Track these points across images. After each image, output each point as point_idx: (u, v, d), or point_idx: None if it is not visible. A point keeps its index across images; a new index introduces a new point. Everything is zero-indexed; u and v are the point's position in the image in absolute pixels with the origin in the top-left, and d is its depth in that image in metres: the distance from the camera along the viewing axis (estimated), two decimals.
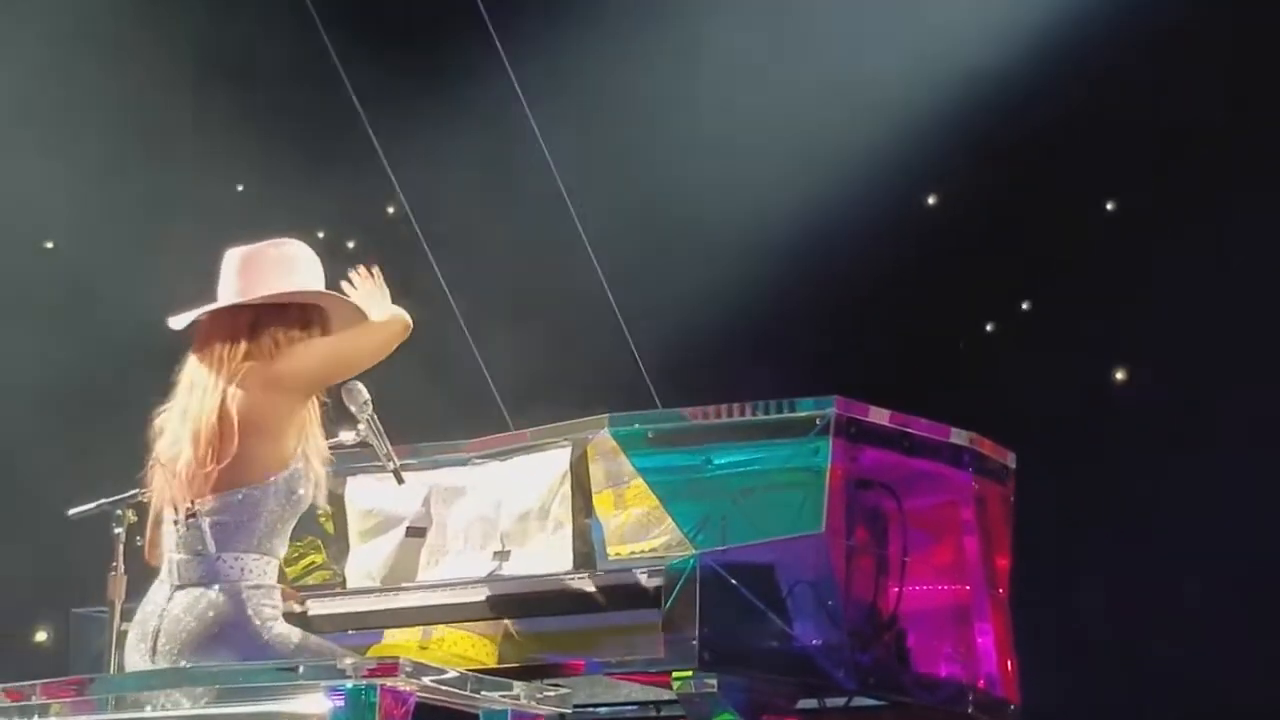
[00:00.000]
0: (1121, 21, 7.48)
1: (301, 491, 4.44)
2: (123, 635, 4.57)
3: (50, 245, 7.71)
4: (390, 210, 7.95)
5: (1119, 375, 7.87)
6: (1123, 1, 7.52)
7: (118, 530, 4.76)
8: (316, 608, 4.78)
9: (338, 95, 7.62)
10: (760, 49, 7.79)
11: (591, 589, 4.46)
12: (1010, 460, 4.97)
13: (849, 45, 7.63)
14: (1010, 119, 7.59)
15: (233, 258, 4.57)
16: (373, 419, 4.69)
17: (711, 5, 7.75)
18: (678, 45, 7.78)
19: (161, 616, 4.38)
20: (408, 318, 4.57)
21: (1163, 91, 7.57)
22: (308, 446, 4.45)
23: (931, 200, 8.02)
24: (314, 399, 4.52)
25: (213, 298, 4.55)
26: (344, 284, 4.65)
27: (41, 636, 4.74)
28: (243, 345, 4.46)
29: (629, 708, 5.00)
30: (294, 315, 4.52)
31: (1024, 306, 7.97)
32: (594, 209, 7.32)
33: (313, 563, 5.04)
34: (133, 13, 7.52)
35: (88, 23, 7.48)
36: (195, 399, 4.44)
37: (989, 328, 8.03)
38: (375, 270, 4.66)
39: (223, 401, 4.39)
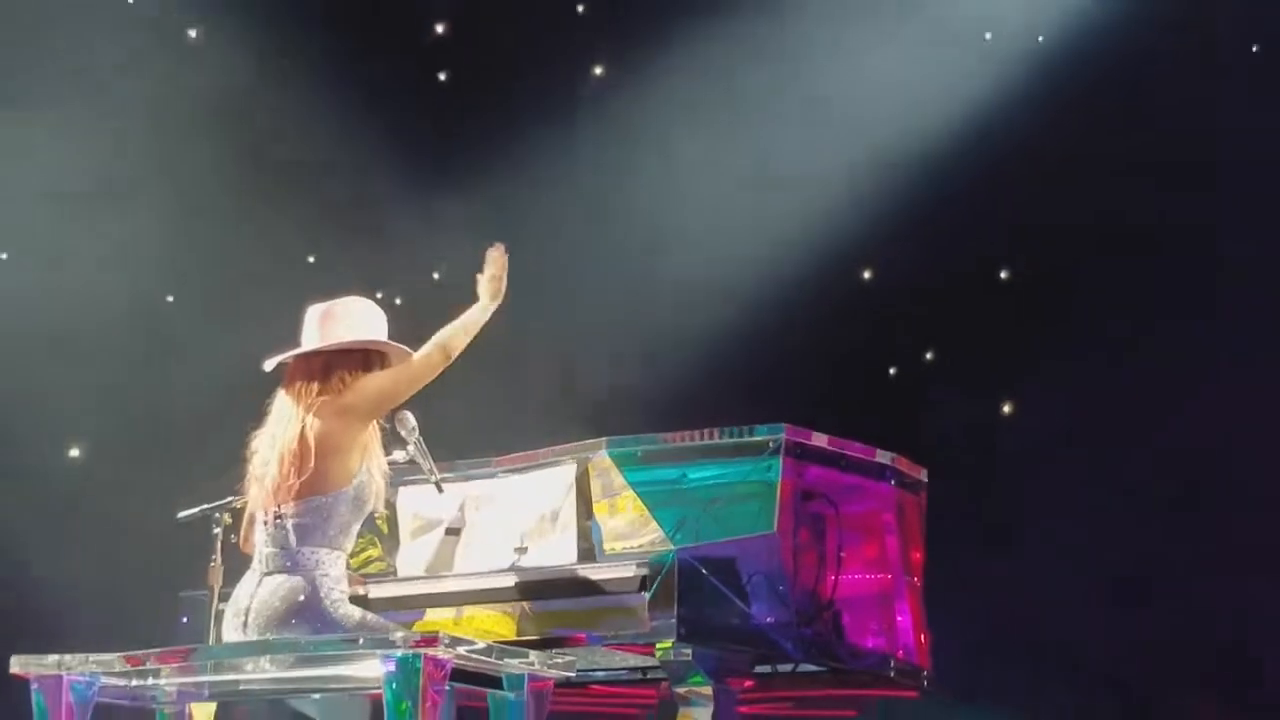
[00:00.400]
0: (1015, 129, 7.52)
1: (367, 499, 4.43)
2: (220, 613, 4.55)
3: (171, 299, 7.70)
4: (436, 275, 7.95)
5: (1006, 408, 7.90)
6: (1010, 114, 7.55)
7: (216, 530, 4.73)
8: (374, 591, 4.76)
9: (392, 185, 7.67)
10: (733, 149, 7.77)
11: (592, 577, 4.45)
12: (923, 475, 4.96)
13: (809, 147, 7.63)
14: (930, 207, 7.59)
15: (313, 312, 4.57)
16: (419, 442, 4.68)
17: (687, 111, 7.75)
18: (664, 147, 7.78)
19: (252, 597, 4.37)
20: (452, 347, 4.45)
21: (1048, 184, 7.60)
22: (371, 464, 4.44)
23: (867, 275, 8.02)
24: (375, 425, 4.49)
25: (296, 344, 4.55)
26: (489, 251, 4.51)
27: (185, 620, 4.78)
28: (314, 385, 4.45)
29: (621, 672, 4.96)
30: (358, 358, 4.51)
31: (929, 356, 7.98)
32: (597, 276, 7.34)
33: (370, 556, 4.99)
34: (228, 109, 7.53)
35: (203, 116, 7.50)
36: (281, 426, 4.45)
37: (893, 371, 8.02)
38: (503, 257, 4.53)
39: (302, 429, 4.39)
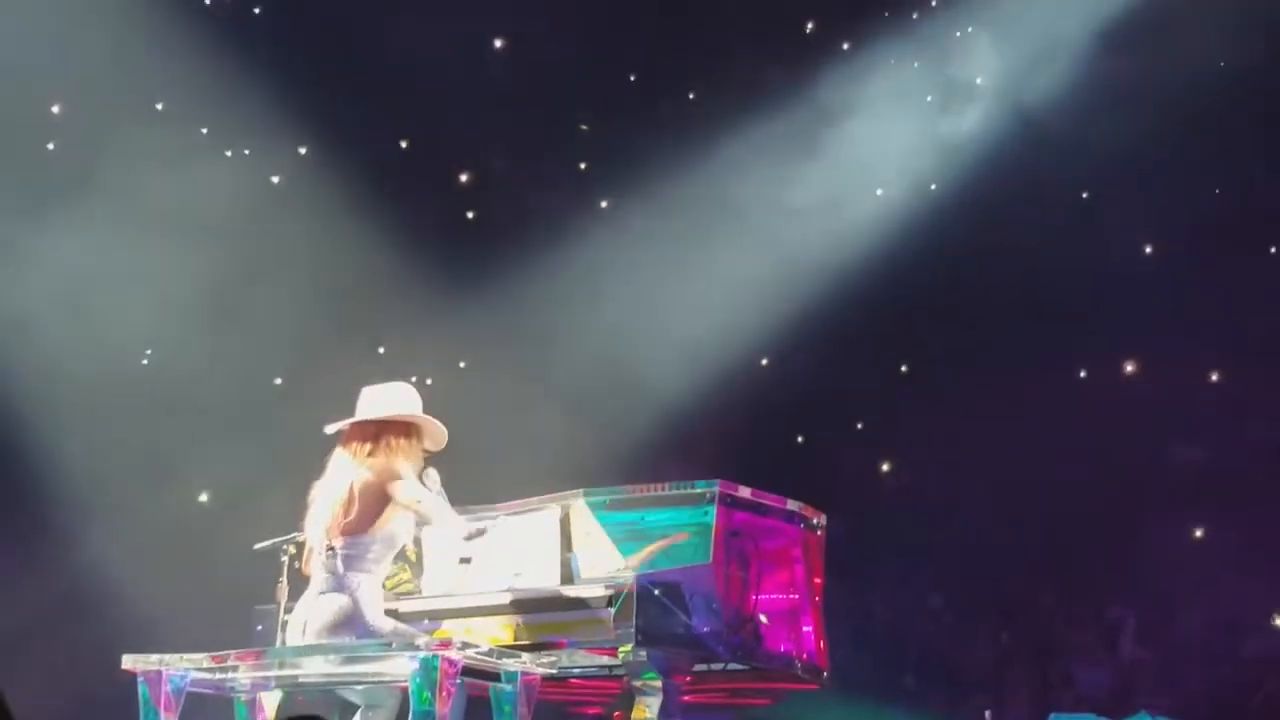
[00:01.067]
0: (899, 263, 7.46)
1: (400, 537, 4.30)
2: (285, 623, 4.40)
3: (279, 381, 7.56)
4: (462, 364, 7.87)
5: (885, 467, 7.79)
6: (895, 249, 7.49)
7: (283, 558, 4.56)
8: (404, 607, 4.61)
9: (431, 297, 7.58)
10: (679, 268, 7.72)
11: (571, 596, 4.34)
12: (822, 519, 4.82)
13: (731, 258, 7.57)
14: (837, 307, 7.48)
15: (367, 391, 4.46)
16: (441, 492, 4.52)
17: (642, 241, 7.70)
18: (628, 268, 7.73)
19: (310, 611, 4.23)
20: (433, 519, 4.29)
21: (943, 289, 7.51)
22: (403, 511, 4.29)
23: (764, 361, 7.91)
24: None
25: (351, 415, 4.42)
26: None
27: (260, 629, 4.68)
28: (367, 445, 4.34)
29: (592, 669, 4.76)
30: (399, 428, 4.38)
31: (859, 426, 7.84)
32: (578, 367, 7.26)
33: (402, 579, 4.83)
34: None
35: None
36: (335, 478, 4.33)
37: (800, 440, 7.92)
38: None
39: (351, 481, 4.28)
